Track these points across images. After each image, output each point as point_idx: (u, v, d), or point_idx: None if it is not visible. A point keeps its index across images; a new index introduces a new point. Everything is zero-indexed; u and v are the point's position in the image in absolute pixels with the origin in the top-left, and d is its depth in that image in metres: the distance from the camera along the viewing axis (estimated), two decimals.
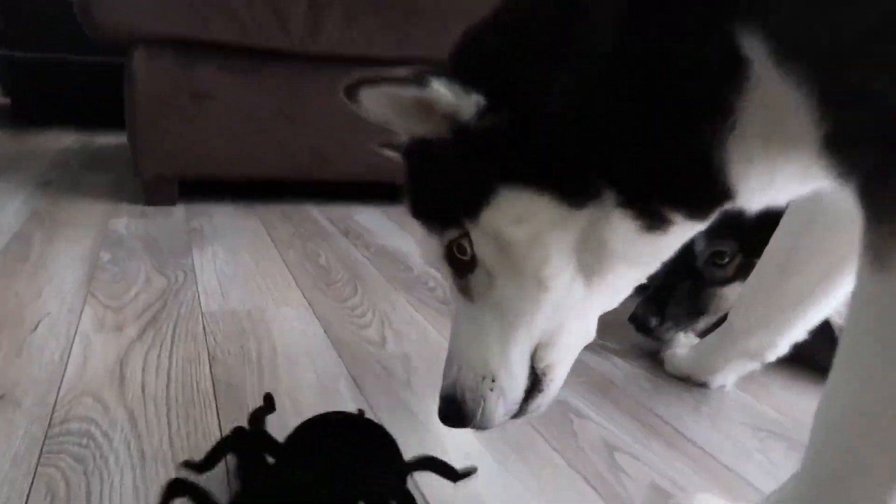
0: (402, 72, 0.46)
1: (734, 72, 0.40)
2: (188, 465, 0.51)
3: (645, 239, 0.47)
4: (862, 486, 0.39)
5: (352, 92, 0.46)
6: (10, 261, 1.05)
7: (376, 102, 0.47)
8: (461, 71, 0.48)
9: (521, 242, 0.49)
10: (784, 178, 0.44)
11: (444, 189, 0.52)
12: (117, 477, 0.54)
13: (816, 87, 0.38)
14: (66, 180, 1.69)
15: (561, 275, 0.49)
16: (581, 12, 0.45)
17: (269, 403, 0.61)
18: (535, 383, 0.52)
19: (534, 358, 0.52)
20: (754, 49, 0.39)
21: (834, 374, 0.41)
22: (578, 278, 0.50)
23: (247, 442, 0.53)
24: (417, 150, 0.52)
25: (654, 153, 0.45)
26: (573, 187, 0.47)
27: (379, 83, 0.46)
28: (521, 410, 0.52)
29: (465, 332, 0.53)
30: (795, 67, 0.38)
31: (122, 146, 2.27)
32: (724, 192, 0.45)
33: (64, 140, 2.32)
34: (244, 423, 0.56)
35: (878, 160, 0.38)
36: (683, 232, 0.48)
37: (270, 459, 0.52)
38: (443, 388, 0.54)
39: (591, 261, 0.49)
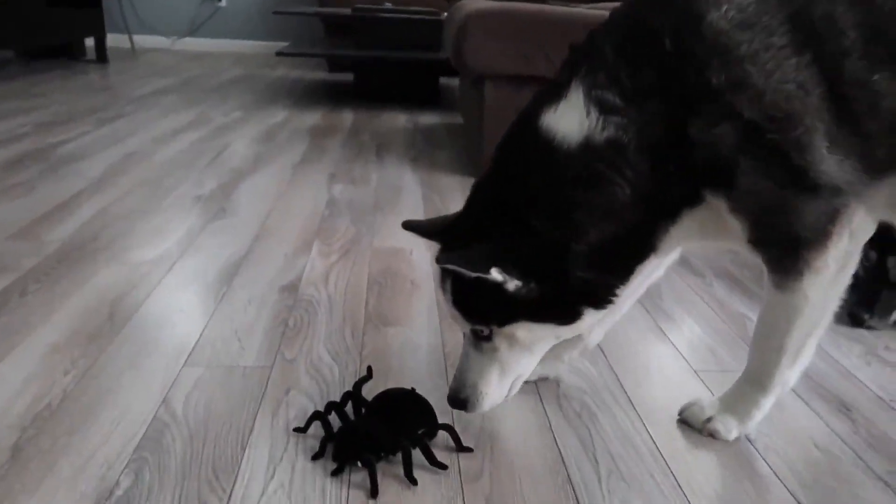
0: (474, 257, 0.80)
1: (694, 202, 0.82)
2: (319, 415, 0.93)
3: (601, 313, 0.88)
4: (763, 378, 0.94)
5: (440, 262, 0.83)
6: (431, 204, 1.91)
7: (454, 269, 0.82)
8: (511, 258, 0.80)
9: (526, 340, 0.88)
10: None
11: (482, 308, 0.86)
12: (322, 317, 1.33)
13: (748, 224, 0.82)
14: (427, 154, 2.58)
15: (542, 349, 0.92)
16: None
17: (368, 374, 1.04)
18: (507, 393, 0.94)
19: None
20: (718, 202, 0.81)
21: (757, 334, 0.95)
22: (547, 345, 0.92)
23: (350, 400, 0.96)
24: (464, 280, 0.82)
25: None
26: (570, 320, 0.86)
27: (455, 264, 0.80)
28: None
29: (474, 364, 0.90)
30: (742, 214, 0.82)
31: (440, 125, 3.16)
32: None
33: (399, 119, 3.27)
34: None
35: (774, 251, 0.86)
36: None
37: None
38: (453, 389, 0.92)
39: (564, 337, 0.91)
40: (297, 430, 0.94)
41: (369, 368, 1.06)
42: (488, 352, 0.89)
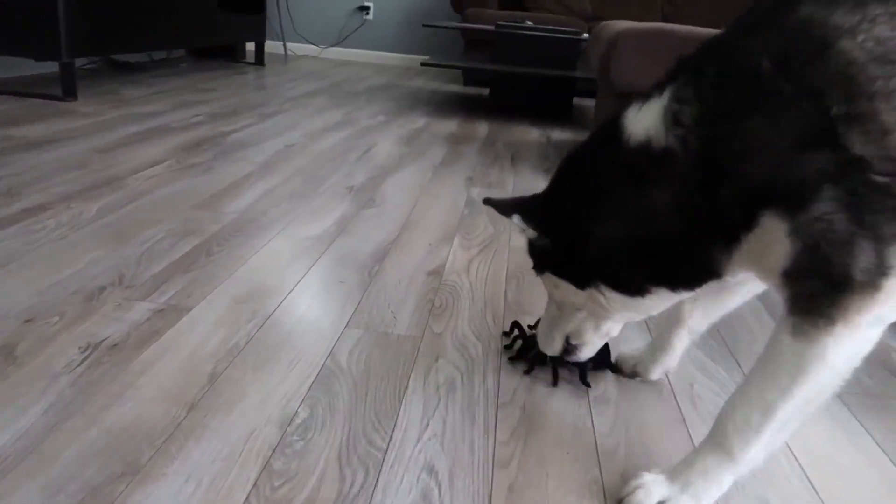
0: (508, 201, 0.97)
1: (750, 224, 0.75)
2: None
3: (632, 300, 0.88)
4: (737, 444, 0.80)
5: (484, 203, 1.00)
6: None
7: (488, 208, 0.99)
8: (534, 212, 0.93)
9: (555, 295, 0.98)
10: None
11: (530, 253, 1.00)
12: (465, 301, 1.37)
13: (798, 251, 0.72)
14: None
15: (576, 311, 0.97)
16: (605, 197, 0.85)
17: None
18: (569, 349, 1.03)
19: (567, 337, 1.02)
20: (776, 223, 0.73)
21: (746, 386, 0.80)
22: (590, 314, 0.96)
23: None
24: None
25: (654, 266, 0.84)
26: (579, 282, 0.92)
27: (490, 205, 0.97)
28: (563, 360, 1.09)
29: (548, 313, 1.04)
30: (799, 239, 0.72)
31: (573, 141, 3.22)
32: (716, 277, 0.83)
33: (532, 132, 3.37)
34: None
35: (812, 286, 0.73)
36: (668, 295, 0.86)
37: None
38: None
39: (597, 308, 0.93)
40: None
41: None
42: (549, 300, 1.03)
